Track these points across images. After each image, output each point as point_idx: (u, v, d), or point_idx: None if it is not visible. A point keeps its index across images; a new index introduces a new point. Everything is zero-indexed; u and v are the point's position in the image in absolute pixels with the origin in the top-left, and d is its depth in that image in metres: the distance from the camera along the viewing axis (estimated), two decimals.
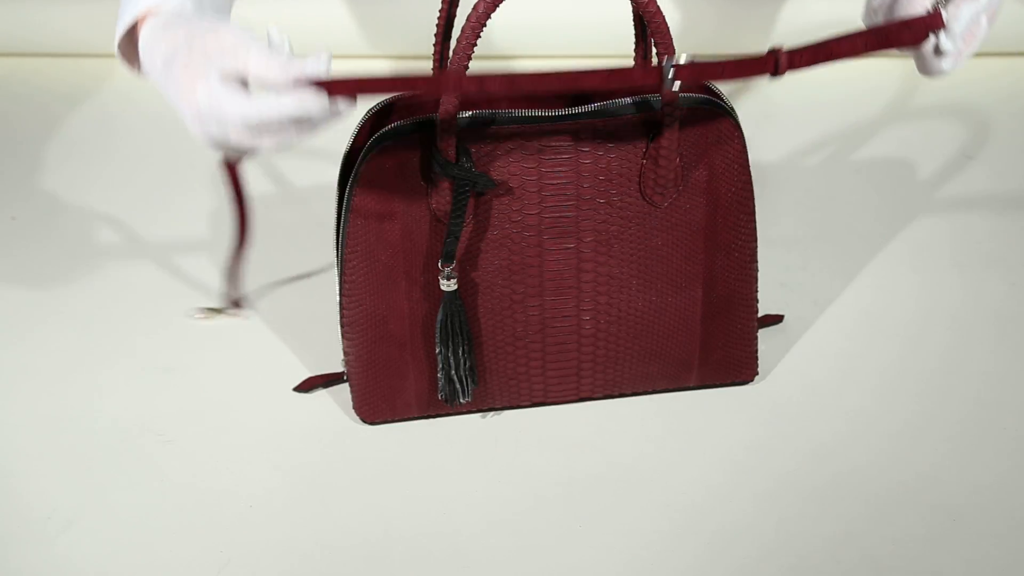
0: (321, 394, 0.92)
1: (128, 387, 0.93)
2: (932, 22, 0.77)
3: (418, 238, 0.81)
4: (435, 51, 0.87)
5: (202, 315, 0.99)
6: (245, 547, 0.79)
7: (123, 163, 1.25)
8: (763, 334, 0.96)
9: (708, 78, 0.74)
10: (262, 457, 0.86)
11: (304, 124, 0.70)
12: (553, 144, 0.79)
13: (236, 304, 0.91)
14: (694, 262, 0.85)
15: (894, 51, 0.81)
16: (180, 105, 0.70)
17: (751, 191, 0.84)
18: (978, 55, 1.43)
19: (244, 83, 0.69)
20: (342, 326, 0.84)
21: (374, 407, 0.87)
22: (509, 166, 0.80)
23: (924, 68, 0.81)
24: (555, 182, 0.80)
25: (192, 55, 0.69)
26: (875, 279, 1.04)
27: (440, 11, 0.86)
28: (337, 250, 0.82)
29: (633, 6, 0.81)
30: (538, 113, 0.79)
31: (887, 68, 1.40)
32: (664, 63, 0.73)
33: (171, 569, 0.78)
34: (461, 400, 0.85)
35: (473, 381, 0.85)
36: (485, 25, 0.73)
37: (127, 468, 0.86)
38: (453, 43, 0.77)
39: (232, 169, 0.77)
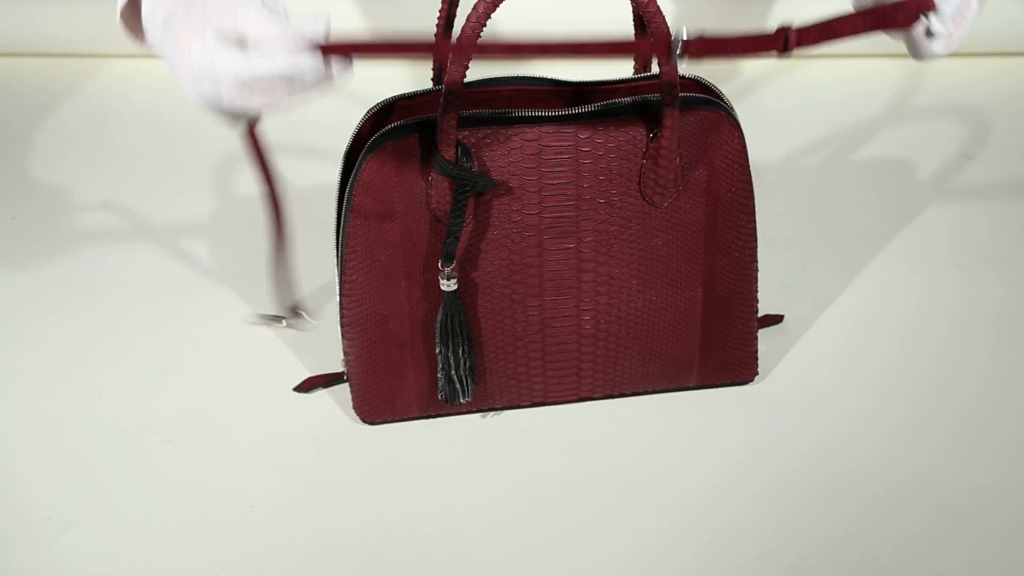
0: (321, 394, 0.92)
1: (128, 387, 0.93)
2: (923, 3, 0.77)
3: (418, 238, 0.81)
4: None
5: (259, 322, 0.98)
6: (245, 547, 0.79)
7: (123, 163, 1.25)
8: (763, 334, 0.96)
9: (717, 52, 0.73)
10: (262, 457, 0.86)
11: (296, 84, 0.70)
12: (553, 144, 0.79)
13: (294, 312, 0.90)
14: (694, 262, 0.85)
15: (888, 38, 0.81)
16: (176, 63, 0.70)
17: (751, 191, 0.84)
18: (978, 55, 1.44)
19: (242, 44, 0.69)
20: (342, 326, 0.85)
21: (374, 407, 0.87)
22: (509, 166, 0.80)
23: (916, 52, 0.81)
24: (555, 182, 0.80)
25: (191, 14, 0.69)
26: (875, 279, 1.04)
27: (440, 11, 0.86)
28: (337, 250, 0.82)
29: (633, 6, 0.81)
30: (538, 113, 0.79)
31: (887, 68, 1.40)
32: (672, 36, 0.73)
33: (171, 569, 0.78)
34: (461, 400, 0.85)
35: (473, 381, 0.85)
36: (485, 25, 0.73)
37: (127, 468, 0.86)
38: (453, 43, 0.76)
39: (255, 140, 0.77)
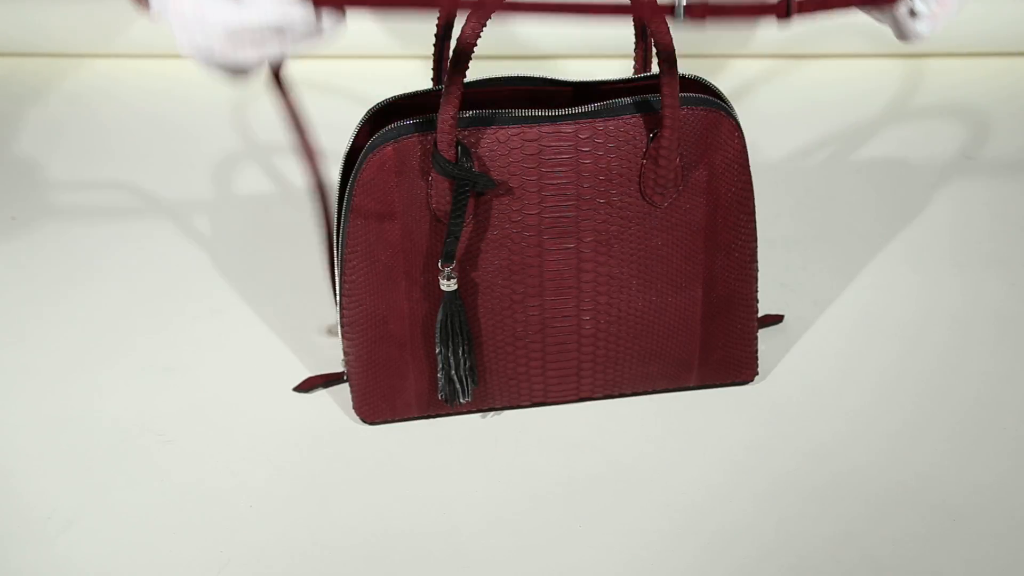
0: (321, 394, 0.92)
1: (128, 387, 0.93)
2: None
3: (418, 238, 0.81)
4: (435, 51, 0.87)
5: (332, 333, 0.97)
6: (245, 547, 0.79)
7: (123, 163, 1.25)
8: (763, 334, 0.96)
9: (718, 15, 0.73)
10: (262, 457, 0.86)
11: (286, 36, 0.70)
12: (553, 144, 0.79)
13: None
14: (694, 262, 0.85)
15: (887, 38, 0.80)
16: (169, 17, 0.70)
17: (751, 191, 0.84)
18: (978, 55, 1.44)
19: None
20: (342, 326, 0.84)
21: (374, 407, 0.87)
22: (509, 166, 0.80)
23: (901, 33, 0.81)
24: (555, 182, 0.80)
25: None
26: (875, 279, 1.04)
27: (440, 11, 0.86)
28: (337, 250, 0.82)
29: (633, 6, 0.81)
30: (538, 113, 0.79)
31: (887, 68, 1.40)
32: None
33: (171, 569, 0.78)
34: (461, 400, 0.85)
35: (473, 381, 0.85)
36: (485, 25, 0.73)
37: (127, 468, 0.86)
38: (453, 43, 0.77)
39: (281, 87, 0.76)
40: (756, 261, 0.87)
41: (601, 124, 0.79)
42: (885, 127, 1.29)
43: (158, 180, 1.22)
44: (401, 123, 0.78)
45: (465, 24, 0.73)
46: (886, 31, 1.20)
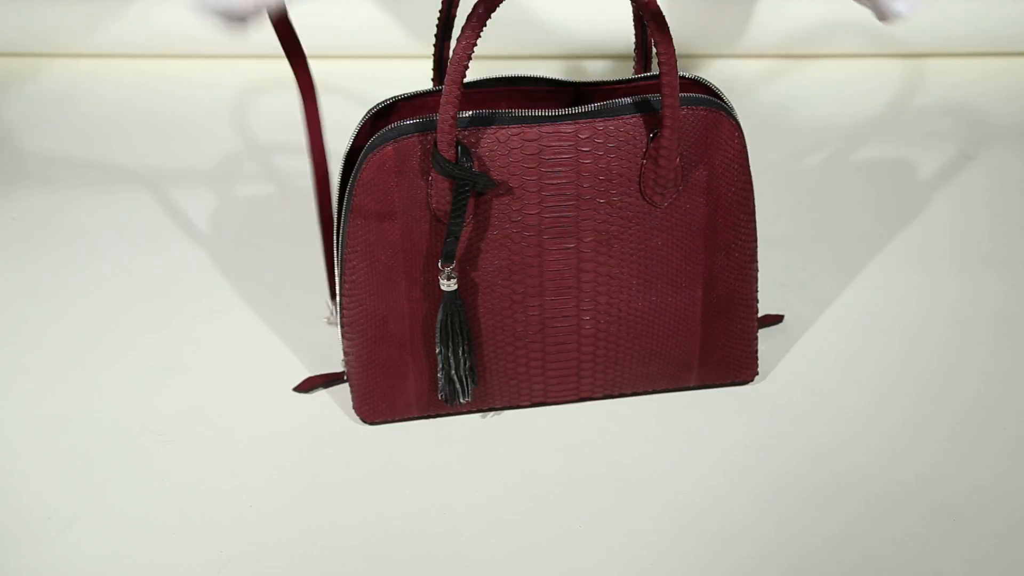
0: (321, 394, 0.92)
1: (128, 387, 0.93)
2: None
3: (418, 238, 0.81)
4: (435, 51, 0.87)
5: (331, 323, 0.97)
6: (245, 547, 0.79)
7: (123, 163, 1.25)
8: (763, 334, 0.96)
9: None
10: (262, 457, 0.86)
11: None
12: (553, 144, 0.79)
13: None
14: (694, 262, 0.85)
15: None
16: None
17: (751, 191, 0.84)
18: (978, 55, 1.44)
19: None
20: (342, 326, 0.85)
21: (374, 407, 0.87)
22: (509, 166, 0.80)
23: (881, 13, 0.80)
24: (555, 182, 0.80)
25: None
26: (875, 279, 1.04)
27: (440, 11, 0.86)
28: (337, 250, 0.82)
29: (633, 6, 0.81)
30: (538, 113, 0.79)
31: (887, 68, 1.40)
32: None
33: (171, 569, 0.78)
34: (461, 400, 0.85)
35: (473, 381, 0.85)
36: (485, 25, 0.73)
37: (127, 468, 0.86)
38: (453, 43, 0.77)
39: (284, 32, 0.76)
40: (756, 261, 0.87)
41: (601, 124, 0.79)
42: (885, 127, 1.29)
43: (158, 180, 1.22)
44: (401, 123, 0.78)
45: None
46: (886, 31, 1.21)
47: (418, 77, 1.20)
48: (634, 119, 0.80)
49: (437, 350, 0.83)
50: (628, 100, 0.79)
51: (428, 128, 0.78)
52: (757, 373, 0.92)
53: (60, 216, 1.16)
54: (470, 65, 0.74)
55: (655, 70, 0.90)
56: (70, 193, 1.20)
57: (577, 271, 0.83)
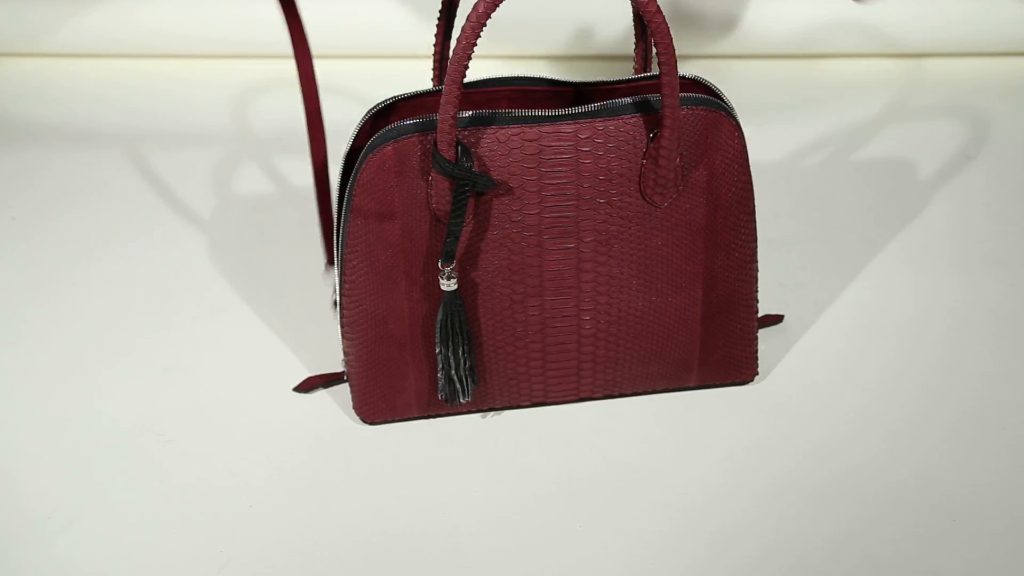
0: (321, 394, 0.92)
1: (128, 387, 0.93)
2: None
3: (418, 238, 0.81)
4: (435, 51, 0.87)
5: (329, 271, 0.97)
6: (245, 547, 0.79)
7: (123, 163, 1.25)
8: (763, 334, 0.96)
9: None
10: (262, 457, 0.86)
11: None
12: (553, 144, 0.79)
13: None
14: (694, 262, 0.85)
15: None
16: None
17: (751, 191, 0.84)
18: (978, 55, 1.44)
19: None
20: (342, 326, 0.85)
21: (374, 407, 0.87)
22: (509, 166, 0.80)
23: None
24: (555, 182, 0.80)
25: None
26: (875, 279, 1.04)
27: (440, 11, 0.86)
28: (337, 250, 0.82)
29: (633, 6, 0.81)
30: (538, 113, 0.79)
31: (887, 68, 1.40)
32: None
33: (171, 569, 0.78)
34: (461, 400, 0.85)
35: (473, 381, 0.85)
36: (485, 25, 0.73)
37: (127, 468, 0.86)
38: (453, 43, 0.77)
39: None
40: (756, 261, 0.87)
41: (601, 124, 0.79)
42: (885, 127, 1.29)
43: (158, 180, 1.22)
44: (401, 123, 0.78)
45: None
46: (886, 31, 1.21)
47: (418, 77, 1.20)
48: (634, 119, 0.80)
49: (437, 350, 0.83)
50: (628, 100, 0.79)
51: (428, 128, 0.78)
52: (757, 373, 0.92)
53: (60, 216, 1.16)
54: (470, 65, 0.74)
55: (655, 70, 0.90)
56: (70, 193, 1.20)
57: (577, 271, 0.83)
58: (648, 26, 0.75)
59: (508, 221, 0.81)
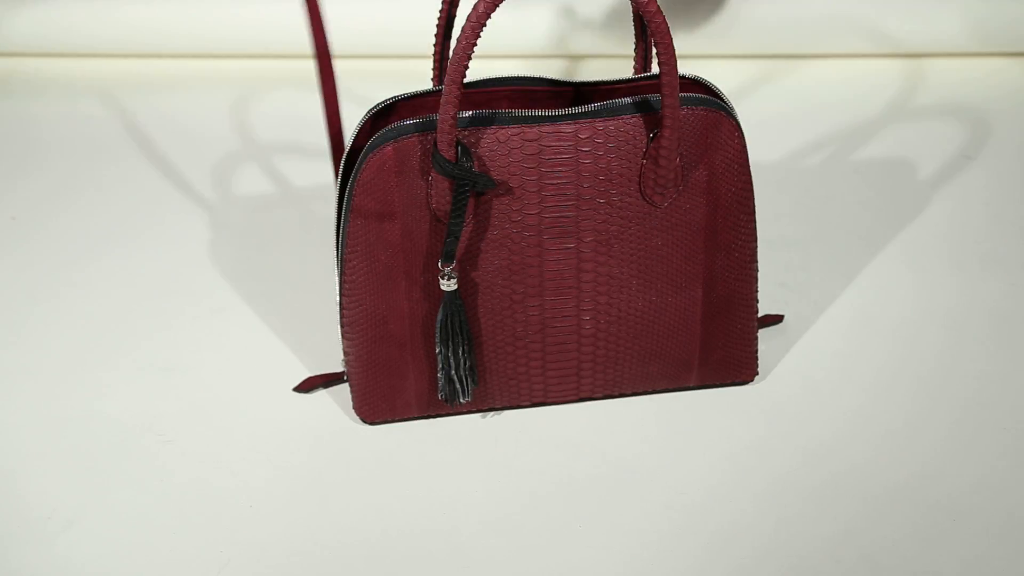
0: (321, 394, 0.92)
1: (128, 387, 0.93)
2: None
3: (418, 238, 0.81)
4: (435, 51, 0.87)
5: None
6: (245, 547, 0.79)
7: (123, 163, 1.26)
8: (763, 334, 0.96)
9: None
10: (262, 457, 0.86)
11: None
12: (553, 144, 0.79)
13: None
14: (694, 262, 0.85)
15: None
16: None
17: (751, 191, 0.84)
18: (978, 55, 1.44)
19: None
20: (342, 326, 0.85)
21: (374, 407, 0.87)
22: (509, 166, 0.80)
23: None
24: (555, 182, 0.80)
25: None
26: (875, 279, 1.04)
27: (440, 11, 0.86)
28: (337, 250, 0.82)
29: (633, 6, 0.81)
30: (538, 113, 0.79)
31: (887, 68, 1.40)
32: None
33: (171, 569, 0.78)
34: (461, 400, 0.85)
35: (473, 381, 0.85)
36: (485, 25, 0.73)
37: (128, 468, 0.86)
38: (453, 43, 0.77)
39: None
40: (756, 261, 0.87)
41: (601, 124, 0.79)
42: (884, 127, 1.29)
43: (158, 180, 1.22)
44: (401, 123, 0.78)
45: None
46: (886, 31, 1.21)
47: (418, 77, 1.20)
48: (634, 119, 0.80)
49: (437, 350, 0.83)
50: (628, 100, 0.79)
51: (428, 128, 0.78)
52: (757, 373, 0.92)
53: (60, 216, 1.16)
54: (470, 65, 0.74)
55: (655, 70, 0.90)
56: (70, 193, 1.20)
57: (577, 271, 0.83)
58: (648, 26, 0.75)
59: (508, 221, 0.81)
